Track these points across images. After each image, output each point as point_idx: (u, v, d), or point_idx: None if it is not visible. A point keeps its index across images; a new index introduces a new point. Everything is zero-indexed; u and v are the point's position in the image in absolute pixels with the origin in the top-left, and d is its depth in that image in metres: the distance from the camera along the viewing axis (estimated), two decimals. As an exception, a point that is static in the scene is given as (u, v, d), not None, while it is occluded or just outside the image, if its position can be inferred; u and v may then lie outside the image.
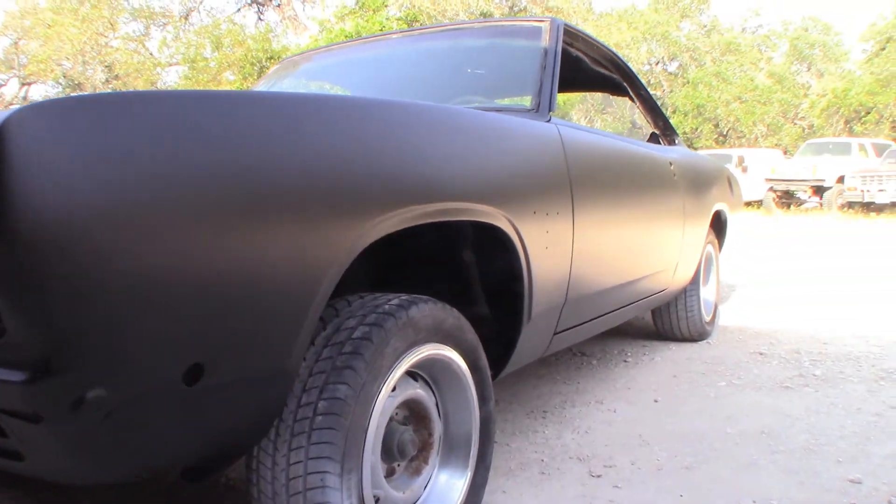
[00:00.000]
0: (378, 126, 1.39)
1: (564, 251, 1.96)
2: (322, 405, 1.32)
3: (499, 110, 2.22)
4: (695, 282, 3.66)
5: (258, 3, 19.23)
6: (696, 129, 26.71)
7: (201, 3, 19.05)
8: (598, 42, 2.88)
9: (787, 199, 18.26)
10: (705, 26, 29.61)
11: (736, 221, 4.56)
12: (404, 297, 1.49)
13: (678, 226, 3.08)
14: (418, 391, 1.57)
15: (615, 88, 3.44)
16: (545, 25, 2.47)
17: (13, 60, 16.41)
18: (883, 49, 25.33)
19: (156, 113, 1.02)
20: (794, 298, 5.25)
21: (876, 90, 23.72)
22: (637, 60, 27.96)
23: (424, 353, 1.51)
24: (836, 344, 3.77)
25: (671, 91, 28.66)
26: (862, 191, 15.27)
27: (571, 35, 2.65)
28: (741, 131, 26.17)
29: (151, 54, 16.81)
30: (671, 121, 3.60)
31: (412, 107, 1.55)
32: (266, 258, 1.12)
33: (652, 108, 3.43)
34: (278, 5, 18.41)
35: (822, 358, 3.47)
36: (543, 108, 2.19)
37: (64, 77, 15.81)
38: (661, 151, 3.12)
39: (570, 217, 1.98)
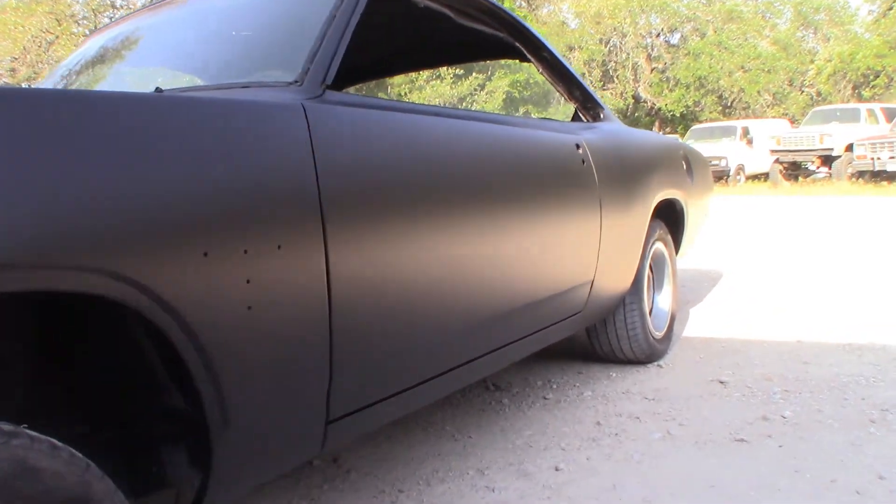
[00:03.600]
0: None
1: (306, 305, 1.21)
2: None
3: (245, 86, 1.47)
4: (635, 292, 2.89)
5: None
6: (699, 101, 25.72)
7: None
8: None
9: (795, 170, 17.38)
10: (706, -6, 28.48)
11: (703, 208, 3.79)
12: None
13: (590, 227, 2.31)
14: None
15: (505, 52, 2.66)
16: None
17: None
18: (890, 9, 24.09)
19: None
20: (782, 295, 4.46)
21: (884, 52, 22.58)
22: (635, 33, 26.95)
23: None
24: (820, 363, 2.99)
25: (672, 63, 27.64)
26: (872, 159, 14.38)
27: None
28: (746, 102, 25.13)
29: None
30: (589, 89, 2.81)
31: None
32: None
33: (561, 75, 2.63)
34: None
35: (797, 387, 2.70)
36: (313, 79, 1.44)
37: (12, 78, 15.00)
38: (560, 131, 2.34)
39: (321, 248, 1.22)
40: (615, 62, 30.06)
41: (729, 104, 25.88)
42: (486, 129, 1.91)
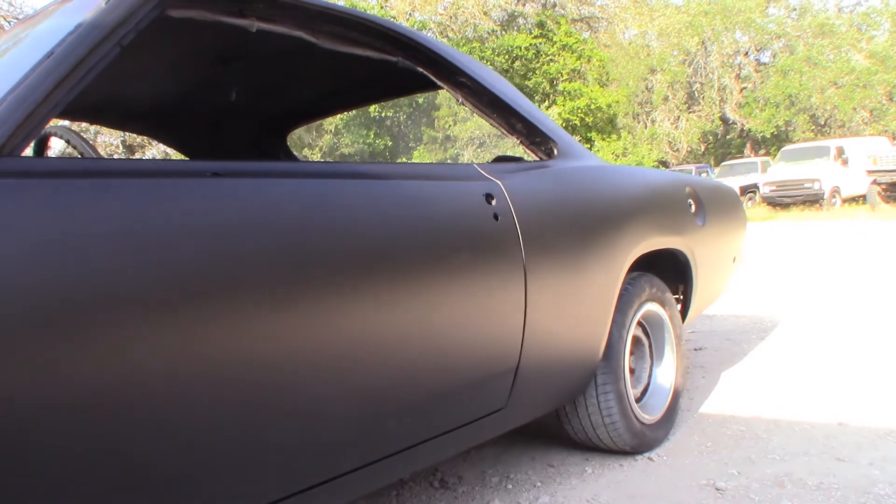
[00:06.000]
0: None
1: None
2: None
3: None
4: (609, 370, 2.31)
5: None
6: (790, 121, 24.24)
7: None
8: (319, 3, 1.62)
9: (894, 192, 15.98)
10: (795, 10, 26.95)
11: (723, 255, 3.16)
12: None
13: (506, 301, 1.77)
14: None
15: (410, 82, 2.18)
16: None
17: None
18: None
19: None
20: (847, 356, 3.71)
21: None
22: (720, 52, 25.78)
23: None
24: (857, 461, 2.32)
25: (762, 82, 26.26)
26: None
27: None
28: (841, 120, 23.51)
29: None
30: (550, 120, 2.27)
31: None
32: None
33: (492, 104, 2.10)
34: None
35: (815, 499, 2.05)
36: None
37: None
38: (463, 179, 1.81)
39: None
40: (700, 83, 28.90)
41: (823, 123, 24.30)
42: (299, 188, 1.40)
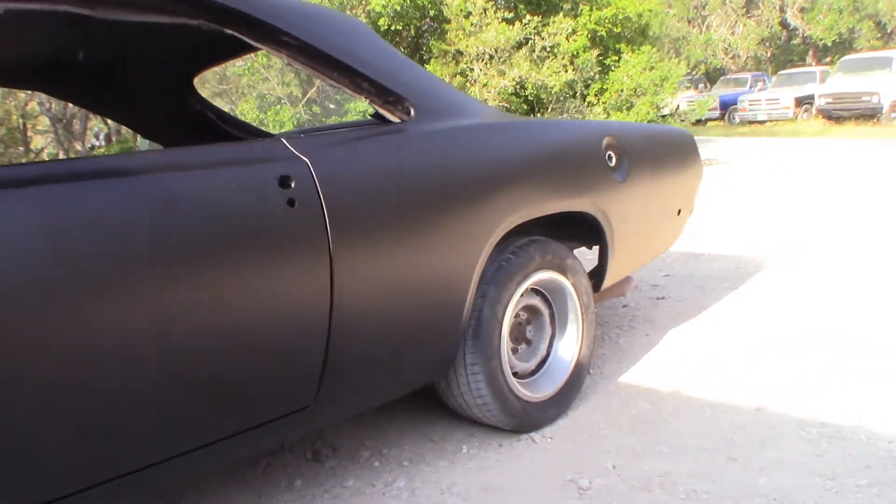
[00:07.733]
0: None
1: None
2: None
3: None
4: (479, 348, 2.12)
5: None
6: (854, 28, 22.62)
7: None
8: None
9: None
10: None
11: (655, 213, 2.90)
12: None
13: (305, 295, 1.59)
14: None
15: (220, 48, 1.94)
16: None
17: None
18: None
19: None
20: (814, 316, 3.42)
21: None
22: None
23: None
24: (748, 464, 2.10)
25: (825, -14, 24.44)
26: None
27: None
28: (911, 27, 21.85)
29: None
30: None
31: None
32: None
33: (330, 64, 1.83)
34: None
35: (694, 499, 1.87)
36: None
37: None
38: (257, 160, 1.60)
39: None
40: (760, -15, 27.08)
41: (889, 31, 22.61)
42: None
